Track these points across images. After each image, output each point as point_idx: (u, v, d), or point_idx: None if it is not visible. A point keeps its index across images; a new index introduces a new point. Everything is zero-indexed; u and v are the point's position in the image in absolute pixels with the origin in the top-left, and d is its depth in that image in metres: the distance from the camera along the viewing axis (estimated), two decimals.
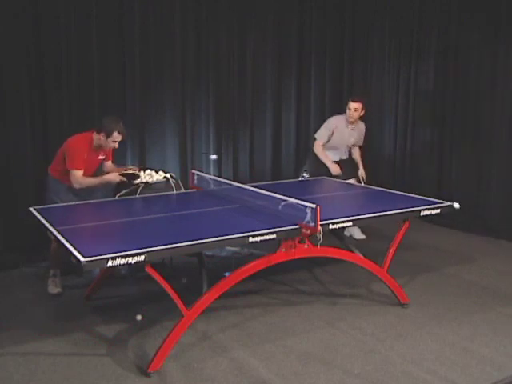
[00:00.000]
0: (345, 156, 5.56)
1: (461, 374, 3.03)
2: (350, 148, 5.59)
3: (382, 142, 6.83)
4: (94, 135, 4.21)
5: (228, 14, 5.93)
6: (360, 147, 5.66)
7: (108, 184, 4.31)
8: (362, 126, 5.52)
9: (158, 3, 5.48)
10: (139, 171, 4.43)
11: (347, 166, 5.50)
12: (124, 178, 4.29)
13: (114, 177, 4.27)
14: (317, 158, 5.42)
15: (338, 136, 5.39)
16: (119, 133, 4.17)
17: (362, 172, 5.56)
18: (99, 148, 4.27)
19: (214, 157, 5.54)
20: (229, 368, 3.11)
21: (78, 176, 4.14)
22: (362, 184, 5.36)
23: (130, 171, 4.38)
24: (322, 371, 3.07)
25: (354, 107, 5.26)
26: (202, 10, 5.77)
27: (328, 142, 5.39)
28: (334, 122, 5.40)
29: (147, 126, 5.60)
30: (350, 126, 5.38)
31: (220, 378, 3.01)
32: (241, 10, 6.00)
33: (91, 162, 4.28)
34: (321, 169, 5.38)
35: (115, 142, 4.21)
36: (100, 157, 4.36)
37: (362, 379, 2.99)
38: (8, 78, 4.78)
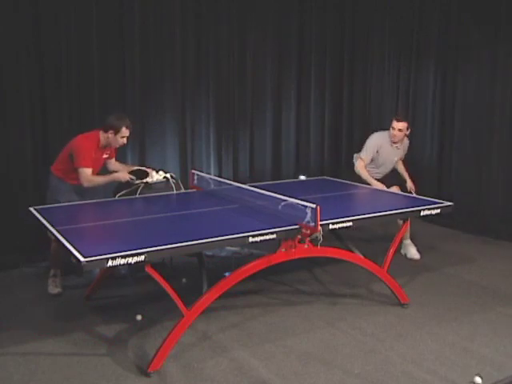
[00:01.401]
0: (389, 171, 5.29)
1: (461, 374, 3.03)
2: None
3: None
4: (101, 134, 4.23)
5: (228, 13, 5.93)
6: (403, 160, 5.41)
7: (117, 182, 4.33)
8: (406, 141, 5.28)
9: (158, 3, 5.48)
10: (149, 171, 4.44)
11: (387, 175, 5.24)
12: (133, 176, 4.31)
13: (123, 175, 4.30)
14: None
15: (383, 155, 5.12)
16: (127, 128, 4.24)
17: (410, 184, 5.25)
18: (105, 147, 4.31)
19: (303, 177, 5.35)
20: (229, 368, 3.11)
21: (88, 174, 4.14)
22: (413, 194, 5.05)
23: (142, 168, 4.38)
24: (322, 371, 3.07)
25: (399, 127, 4.99)
26: (202, 10, 5.76)
27: (372, 161, 5.13)
28: (379, 142, 5.11)
29: (147, 126, 5.60)
30: (394, 145, 5.12)
31: (220, 378, 3.01)
32: (241, 10, 6.00)
33: (97, 160, 4.30)
34: None
35: (123, 137, 4.26)
36: (104, 155, 4.38)
37: (362, 379, 2.99)
38: (8, 77, 4.78)
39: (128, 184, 4.33)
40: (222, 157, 6.14)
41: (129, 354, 3.28)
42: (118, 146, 4.35)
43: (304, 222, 3.30)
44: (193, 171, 4.79)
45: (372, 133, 5.25)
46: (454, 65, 5.98)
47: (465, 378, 2.99)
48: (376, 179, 5.04)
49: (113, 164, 4.53)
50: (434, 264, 4.84)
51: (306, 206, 3.30)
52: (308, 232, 3.29)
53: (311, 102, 6.67)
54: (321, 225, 3.24)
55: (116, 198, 4.30)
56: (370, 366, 3.12)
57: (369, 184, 4.94)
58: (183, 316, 3.08)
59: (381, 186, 4.93)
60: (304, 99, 6.64)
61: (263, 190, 3.89)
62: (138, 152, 5.56)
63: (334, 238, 4.14)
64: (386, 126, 6.83)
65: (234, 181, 4.89)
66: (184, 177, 5.50)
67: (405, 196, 4.61)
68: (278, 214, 3.56)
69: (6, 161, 4.83)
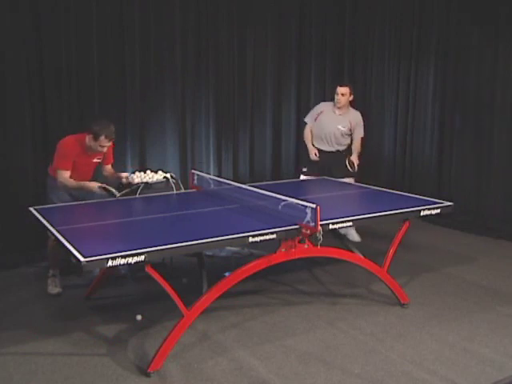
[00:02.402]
0: (334, 147, 5.41)
1: (461, 374, 3.03)
2: (349, 141, 5.45)
3: (382, 142, 6.82)
4: (86, 137, 4.16)
5: (228, 14, 5.94)
6: (362, 140, 5.49)
7: (88, 190, 4.21)
8: (356, 114, 5.43)
9: (158, 3, 5.48)
10: (140, 172, 4.42)
11: (340, 163, 5.32)
12: (103, 191, 4.19)
13: (93, 185, 4.17)
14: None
15: (325, 120, 5.35)
16: (106, 137, 4.09)
17: (353, 157, 5.36)
18: (92, 150, 4.21)
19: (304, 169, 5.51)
20: (229, 368, 3.11)
21: (63, 176, 4.14)
22: (350, 170, 5.25)
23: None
24: (322, 371, 3.07)
25: (342, 92, 5.24)
26: (202, 10, 5.77)
27: (317, 128, 5.39)
28: (321, 107, 5.45)
29: (147, 126, 5.60)
30: (337, 111, 5.33)
31: (220, 377, 3.01)
32: (241, 9, 6.01)
33: (84, 163, 4.24)
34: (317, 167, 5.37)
35: (103, 146, 4.14)
36: (95, 159, 4.31)
37: (362, 379, 2.99)
38: (8, 77, 4.78)
39: (128, 184, 4.33)
40: (222, 157, 6.15)
41: (129, 354, 3.28)
42: (97, 152, 4.21)
43: (304, 222, 3.30)
44: (193, 171, 4.79)
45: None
46: (454, 65, 5.98)
47: (465, 378, 2.99)
48: (324, 151, 5.39)
49: (106, 170, 4.49)
50: (434, 264, 4.84)
51: (306, 206, 3.30)
52: (308, 232, 3.29)
53: (311, 101, 6.67)
54: (321, 225, 3.24)
55: (116, 198, 4.30)
56: (369, 366, 3.12)
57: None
58: (183, 316, 3.08)
59: (312, 151, 5.37)
60: (304, 99, 6.64)
61: (263, 189, 3.89)
62: (138, 152, 5.56)
63: (334, 237, 4.13)
64: (386, 126, 6.83)
65: (233, 181, 4.90)
66: (184, 177, 5.50)
67: (405, 196, 4.60)
68: (278, 214, 3.56)
69: (5, 161, 4.83)
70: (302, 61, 6.57)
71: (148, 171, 4.47)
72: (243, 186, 4.23)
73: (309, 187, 5.08)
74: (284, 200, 3.58)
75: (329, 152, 5.42)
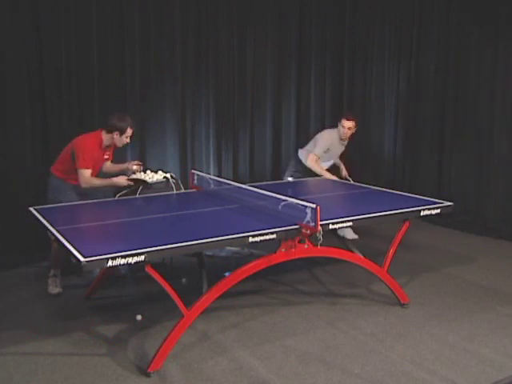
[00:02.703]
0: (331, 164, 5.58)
1: (461, 374, 3.03)
2: None
3: (382, 142, 6.83)
4: (104, 135, 4.24)
5: (228, 14, 5.94)
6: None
7: (114, 186, 4.33)
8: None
9: (158, 3, 5.48)
10: (141, 172, 4.43)
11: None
12: (132, 183, 4.31)
13: (122, 180, 4.27)
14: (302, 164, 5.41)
15: (332, 151, 5.40)
16: (131, 127, 4.29)
17: (345, 173, 5.55)
18: (107, 147, 4.35)
19: (290, 179, 5.44)
20: (229, 368, 3.11)
21: (87, 175, 4.15)
22: (351, 181, 5.34)
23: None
24: (322, 371, 3.07)
25: (348, 126, 5.23)
26: (202, 10, 5.77)
27: (323, 156, 5.39)
28: (329, 139, 5.35)
29: (147, 126, 5.60)
30: (341, 142, 5.40)
31: (220, 377, 3.01)
32: (241, 9, 6.01)
33: (97, 161, 4.31)
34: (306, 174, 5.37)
35: (128, 137, 4.30)
36: (106, 156, 4.41)
37: (362, 379, 2.99)
38: (8, 77, 4.78)
39: (128, 185, 4.33)
40: (222, 157, 6.15)
41: (129, 354, 3.28)
42: (121, 145, 4.38)
43: (304, 222, 3.30)
44: (193, 171, 4.79)
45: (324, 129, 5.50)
46: (454, 65, 5.98)
47: (465, 378, 2.98)
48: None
49: (107, 165, 4.52)
50: (434, 264, 4.84)
51: (306, 206, 3.30)
52: (308, 232, 3.29)
53: (311, 101, 6.68)
54: (321, 225, 3.24)
55: (116, 198, 4.30)
56: (369, 366, 3.12)
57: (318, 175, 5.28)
58: (183, 316, 3.08)
59: (334, 177, 5.27)
60: (304, 99, 6.64)
61: (263, 189, 3.89)
62: (138, 152, 5.56)
63: (334, 237, 4.13)
64: (386, 126, 6.84)
65: (233, 181, 4.90)
66: (184, 177, 5.50)
67: (405, 196, 4.60)
68: (277, 214, 3.56)
69: (5, 161, 4.83)
70: (302, 61, 6.57)
71: (148, 171, 4.48)
72: (243, 186, 4.23)
73: (309, 187, 5.08)
74: (284, 200, 3.58)
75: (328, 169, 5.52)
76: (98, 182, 4.23)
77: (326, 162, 5.45)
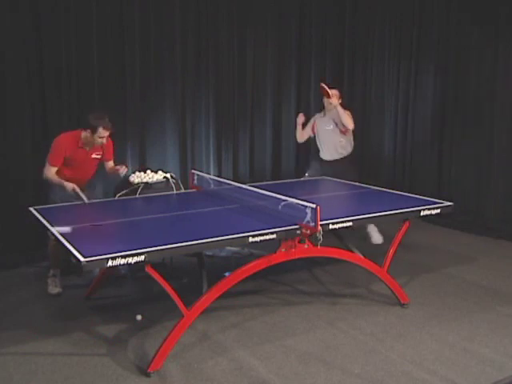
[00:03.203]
0: (337, 155, 5.35)
1: (461, 374, 3.03)
2: (350, 147, 5.39)
3: (382, 142, 6.82)
4: (82, 133, 4.20)
5: (228, 14, 5.94)
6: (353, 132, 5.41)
7: (65, 189, 4.16)
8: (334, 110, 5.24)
9: (158, 3, 5.48)
10: (140, 172, 4.44)
11: (339, 169, 5.27)
12: (75, 194, 4.10)
13: (69, 186, 4.10)
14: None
15: (320, 125, 5.36)
16: (104, 128, 4.15)
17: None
18: (90, 146, 4.25)
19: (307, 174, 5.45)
20: (229, 368, 3.11)
21: (50, 171, 4.17)
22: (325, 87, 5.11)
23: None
24: (322, 371, 3.07)
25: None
26: (202, 10, 5.77)
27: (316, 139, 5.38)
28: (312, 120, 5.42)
29: (147, 126, 5.60)
30: (327, 113, 5.29)
31: (220, 377, 3.01)
32: (241, 9, 6.01)
33: (82, 160, 4.26)
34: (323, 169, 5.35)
35: (102, 137, 4.19)
36: (94, 155, 4.32)
37: (362, 379, 2.99)
38: (8, 77, 4.78)
39: (128, 184, 4.34)
40: (222, 157, 6.15)
41: (129, 354, 3.28)
42: (96, 145, 4.25)
43: (304, 222, 3.30)
44: (193, 171, 4.79)
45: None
46: (454, 65, 5.98)
47: (465, 378, 2.98)
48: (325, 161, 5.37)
49: (108, 166, 4.50)
50: (434, 264, 4.84)
51: (306, 206, 3.30)
52: (308, 232, 3.29)
53: (311, 101, 6.68)
54: (321, 225, 3.24)
55: (116, 198, 4.30)
56: (369, 366, 3.12)
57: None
58: (183, 316, 3.08)
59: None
60: (304, 99, 6.64)
61: (263, 189, 3.88)
62: (138, 152, 5.56)
63: (334, 237, 4.13)
64: (386, 126, 6.83)
65: (233, 181, 4.90)
66: (184, 177, 5.50)
67: (405, 196, 4.60)
68: (278, 214, 3.56)
69: (5, 161, 4.83)
70: (302, 61, 6.57)
71: (148, 171, 4.48)
72: (243, 186, 4.23)
73: (309, 187, 5.07)
74: (284, 200, 3.58)
75: (330, 161, 5.36)
76: (51, 178, 4.18)
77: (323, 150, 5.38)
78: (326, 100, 5.23)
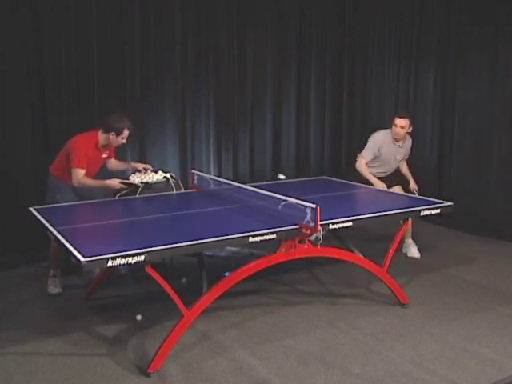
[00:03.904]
0: (393, 171, 5.26)
1: (461, 374, 3.03)
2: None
3: None
4: (100, 135, 4.24)
5: (228, 14, 5.93)
6: (407, 161, 5.36)
7: (107, 189, 4.31)
8: (409, 141, 5.22)
9: (158, 3, 5.48)
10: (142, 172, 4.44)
11: (390, 175, 5.21)
12: (124, 186, 4.29)
13: (114, 183, 4.25)
14: None
15: (385, 153, 5.07)
16: (128, 129, 4.28)
17: (413, 185, 5.19)
18: (104, 147, 4.33)
19: (282, 176, 5.35)
20: (229, 368, 3.11)
21: (79, 175, 4.14)
22: (416, 195, 4.97)
23: (134, 180, 4.36)
24: (322, 371, 3.07)
25: (401, 124, 4.95)
26: (202, 10, 5.77)
27: (374, 159, 5.08)
28: (381, 139, 5.07)
29: (147, 126, 5.60)
30: (396, 142, 5.07)
31: (220, 377, 3.01)
32: (241, 9, 6.00)
33: (95, 161, 4.30)
34: None
35: (124, 138, 4.30)
36: (104, 155, 4.39)
37: (362, 379, 2.99)
38: (8, 77, 4.78)
39: (128, 184, 4.34)
40: (222, 157, 6.15)
41: (129, 354, 3.28)
42: (116, 146, 4.39)
43: (304, 222, 3.30)
44: (193, 171, 4.79)
45: (372, 132, 5.24)
46: (454, 65, 5.97)
47: (465, 378, 2.99)
48: (379, 178, 5.00)
49: (112, 163, 4.54)
50: (434, 264, 4.84)
51: (306, 206, 3.30)
52: (308, 232, 3.29)
53: (311, 101, 6.68)
54: (321, 225, 3.24)
55: (116, 198, 4.30)
56: (369, 366, 3.12)
57: (370, 183, 4.90)
58: (183, 316, 3.08)
59: (381, 185, 4.87)
60: (304, 99, 6.64)
61: (263, 189, 3.89)
62: (138, 152, 5.56)
63: (334, 237, 4.14)
64: (386, 126, 6.81)
65: (233, 181, 4.90)
66: (184, 177, 5.50)
67: (405, 196, 4.61)
68: (278, 214, 3.56)
69: (6, 161, 4.83)
70: (302, 61, 6.56)
71: (148, 171, 4.48)
72: (243, 186, 4.23)
73: (309, 187, 5.07)
74: (284, 200, 3.58)
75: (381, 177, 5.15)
76: (90, 182, 4.21)
77: (382, 168, 5.13)
78: (398, 132, 4.99)
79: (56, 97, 5.02)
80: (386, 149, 5.06)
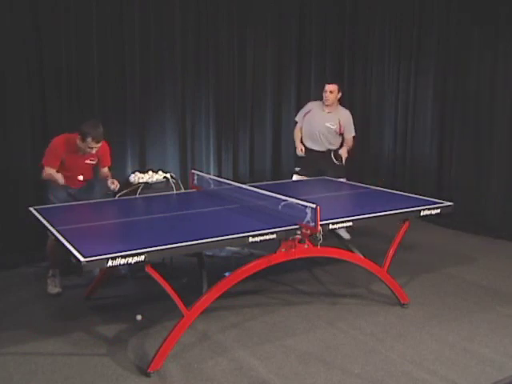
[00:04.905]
0: (324, 147, 5.37)
1: (461, 374, 3.03)
2: (341, 140, 5.43)
3: (382, 142, 6.82)
4: (78, 138, 4.09)
5: (228, 14, 5.93)
6: (354, 138, 5.49)
7: (55, 180, 4.10)
8: (345, 112, 5.39)
9: (158, 3, 5.48)
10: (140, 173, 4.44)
11: (332, 163, 5.34)
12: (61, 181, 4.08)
13: (58, 177, 4.06)
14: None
15: (314, 118, 5.34)
16: (93, 139, 3.99)
17: (342, 150, 5.35)
18: (83, 151, 4.14)
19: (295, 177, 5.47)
20: (229, 368, 3.11)
21: (44, 172, 4.13)
22: (336, 162, 5.27)
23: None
24: (322, 371, 3.07)
25: (330, 89, 5.23)
26: (202, 10, 5.77)
27: (306, 127, 5.40)
28: (310, 105, 5.46)
29: (147, 126, 5.60)
30: (326, 109, 5.32)
31: (220, 377, 3.01)
32: (241, 9, 6.01)
33: (75, 164, 4.18)
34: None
35: (91, 148, 4.06)
36: (88, 161, 4.24)
37: (362, 379, 2.99)
38: (8, 77, 4.78)
39: (128, 184, 4.34)
40: (222, 157, 6.15)
41: (129, 354, 3.28)
42: (85, 153, 4.13)
43: (304, 222, 3.30)
44: (193, 171, 4.79)
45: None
46: (454, 65, 5.97)
47: (465, 378, 2.99)
48: (312, 150, 5.38)
49: (103, 173, 4.39)
50: (434, 264, 4.84)
51: (306, 206, 3.30)
52: (308, 232, 3.29)
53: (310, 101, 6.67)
54: (321, 225, 3.24)
55: (116, 198, 4.30)
56: (369, 366, 3.12)
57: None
58: (183, 316, 3.08)
59: (300, 147, 5.37)
60: (304, 99, 6.63)
61: (263, 189, 3.89)
62: (138, 152, 5.56)
63: (334, 237, 4.14)
64: (386, 126, 6.81)
65: (233, 181, 4.90)
66: (184, 177, 5.50)
67: (405, 196, 4.60)
68: (278, 214, 3.56)
69: (5, 161, 4.83)
70: (302, 61, 6.56)
71: (149, 171, 4.48)
72: (243, 186, 4.23)
73: (309, 187, 5.07)
74: (284, 200, 3.58)
75: (320, 152, 5.39)
76: (44, 174, 4.14)
77: (312, 137, 5.37)
78: (327, 96, 5.28)
79: (56, 97, 5.02)
80: (314, 113, 5.38)
